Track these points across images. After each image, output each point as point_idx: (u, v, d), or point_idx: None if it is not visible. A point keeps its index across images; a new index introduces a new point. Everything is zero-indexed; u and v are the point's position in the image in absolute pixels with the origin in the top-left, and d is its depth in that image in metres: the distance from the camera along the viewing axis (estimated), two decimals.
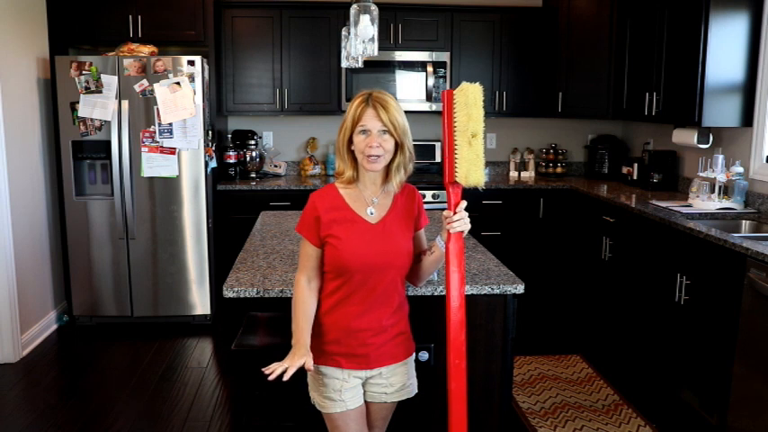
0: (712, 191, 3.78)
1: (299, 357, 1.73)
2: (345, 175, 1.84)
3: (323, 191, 1.87)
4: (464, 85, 1.72)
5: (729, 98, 3.75)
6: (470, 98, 1.70)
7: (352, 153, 1.82)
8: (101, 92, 4.15)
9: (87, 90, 4.15)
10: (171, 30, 4.51)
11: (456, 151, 1.75)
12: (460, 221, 1.76)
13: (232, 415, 3.18)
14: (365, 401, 1.92)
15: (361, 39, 2.52)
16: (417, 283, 2.02)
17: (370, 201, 1.85)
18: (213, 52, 4.62)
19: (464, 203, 1.78)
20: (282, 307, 2.17)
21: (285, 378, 1.68)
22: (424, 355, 2.19)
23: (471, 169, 1.71)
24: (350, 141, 1.80)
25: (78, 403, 3.32)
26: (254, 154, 5.04)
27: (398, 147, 1.81)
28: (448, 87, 4.98)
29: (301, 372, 1.94)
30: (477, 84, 1.72)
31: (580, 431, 3.04)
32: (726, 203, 3.68)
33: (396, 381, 1.92)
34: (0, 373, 3.66)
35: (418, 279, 1.99)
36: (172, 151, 4.24)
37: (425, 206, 2.00)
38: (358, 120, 1.77)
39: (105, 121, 4.18)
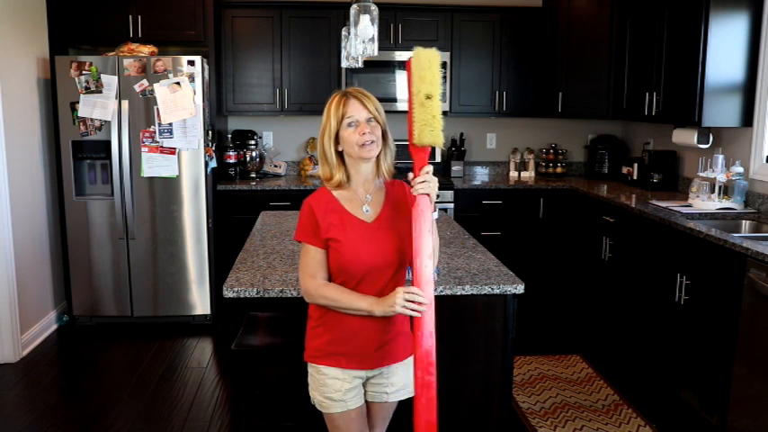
0: (712, 191, 3.78)
1: (392, 298, 1.71)
2: (335, 179, 1.82)
3: (317, 194, 1.86)
4: (417, 49, 1.74)
5: (729, 98, 3.75)
6: (423, 61, 1.73)
7: (339, 155, 1.82)
8: (101, 92, 4.15)
9: (87, 90, 4.15)
10: (171, 30, 4.51)
11: (413, 114, 1.75)
12: (424, 183, 1.72)
13: (232, 415, 3.18)
14: (366, 401, 1.92)
15: (361, 39, 2.52)
16: None
17: (363, 199, 1.85)
18: (213, 52, 4.62)
19: (430, 167, 1.76)
20: (282, 307, 2.17)
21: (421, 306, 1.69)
22: None
23: (424, 129, 1.72)
24: (335, 142, 1.80)
25: (78, 403, 3.32)
26: (254, 154, 5.04)
27: (384, 137, 1.83)
28: (448, 88, 4.99)
29: (301, 371, 1.94)
30: (433, 49, 1.74)
31: (580, 431, 3.04)
32: (726, 203, 3.68)
33: (396, 380, 1.91)
34: (0, 373, 3.66)
35: None
36: (172, 151, 4.24)
37: None
38: (343, 114, 1.78)
39: (105, 121, 4.18)
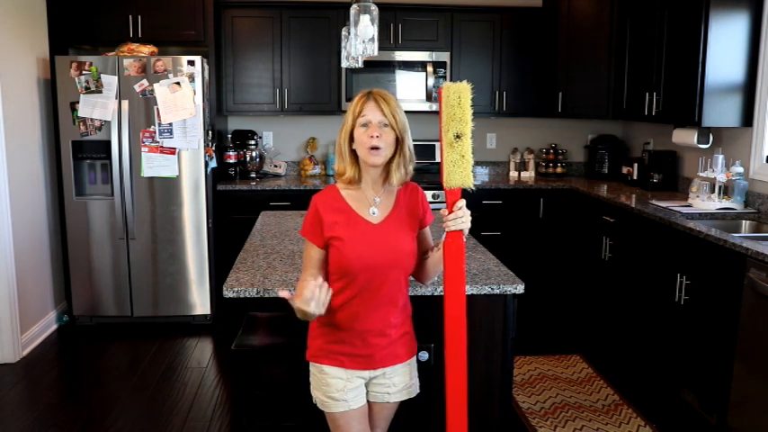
0: (712, 191, 3.78)
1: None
2: (347, 175, 1.81)
3: (324, 192, 1.86)
4: (446, 84, 1.70)
5: (729, 98, 3.75)
6: (452, 98, 1.68)
7: (353, 153, 1.81)
8: (101, 92, 4.15)
9: (87, 90, 4.15)
10: (171, 30, 4.51)
11: (443, 153, 1.73)
12: (456, 220, 1.73)
13: (232, 415, 3.18)
14: (368, 401, 1.92)
15: (361, 39, 2.52)
16: (425, 281, 1.99)
17: (372, 201, 1.84)
18: (213, 52, 4.62)
19: (462, 201, 1.75)
20: (282, 307, 2.17)
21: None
22: (424, 356, 2.19)
23: (453, 171, 1.69)
24: (351, 139, 1.79)
25: (78, 403, 3.32)
26: (254, 154, 5.04)
27: (398, 144, 1.79)
28: None
29: (302, 371, 1.94)
30: (464, 82, 1.69)
31: (580, 431, 3.04)
32: (726, 203, 3.68)
33: (398, 381, 1.91)
34: (0, 373, 3.66)
35: (426, 277, 1.96)
36: (172, 151, 4.24)
37: None
38: (359, 113, 1.76)
39: (105, 121, 4.18)
